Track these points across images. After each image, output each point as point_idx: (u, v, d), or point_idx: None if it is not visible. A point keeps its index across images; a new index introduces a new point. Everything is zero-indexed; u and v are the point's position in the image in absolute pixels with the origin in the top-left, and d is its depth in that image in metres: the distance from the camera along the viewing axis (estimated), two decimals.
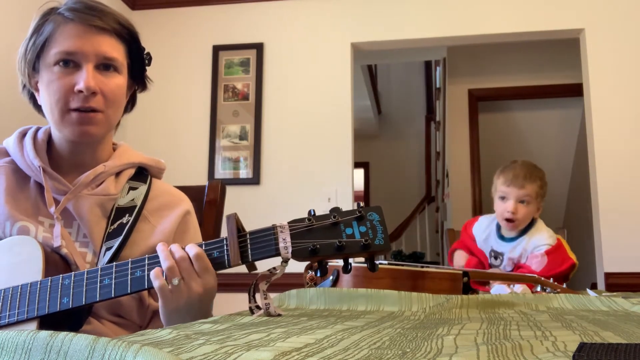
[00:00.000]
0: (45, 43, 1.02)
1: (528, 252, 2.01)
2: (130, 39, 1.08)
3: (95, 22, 1.01)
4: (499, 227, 2.09)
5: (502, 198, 2.03)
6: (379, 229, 0.83)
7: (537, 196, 2.02)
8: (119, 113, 1.09)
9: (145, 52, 1.13)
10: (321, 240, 0.82)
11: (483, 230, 2.11)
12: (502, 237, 2.07)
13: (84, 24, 1.01)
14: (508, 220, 2.01)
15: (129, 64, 1.09)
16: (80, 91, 0.98)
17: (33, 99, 1.09)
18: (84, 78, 0.99)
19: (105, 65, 1.03)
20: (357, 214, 0.84)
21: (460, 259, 2.13)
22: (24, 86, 1.09)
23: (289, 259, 0.83)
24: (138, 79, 1.14)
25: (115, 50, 1.04)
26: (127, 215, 1.06)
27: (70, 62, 1.00)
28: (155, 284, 0.86)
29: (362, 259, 0.89)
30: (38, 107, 1.09)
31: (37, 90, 1.06)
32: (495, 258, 2.06)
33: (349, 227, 0.83)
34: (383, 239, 0.83)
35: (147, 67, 1.14)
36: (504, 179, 2.04)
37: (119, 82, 1.05)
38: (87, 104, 1.00)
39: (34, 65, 1.04)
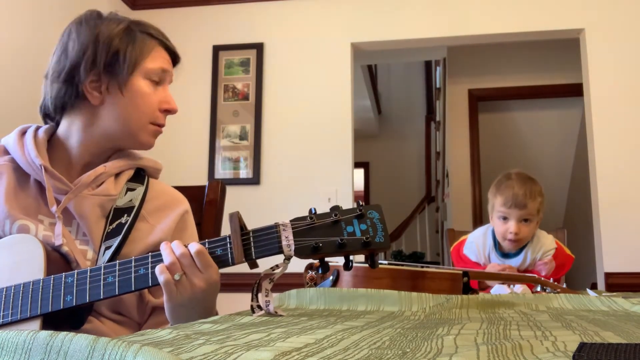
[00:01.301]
0: (137, 56, 1.07)
1: (537, 261, 2.00)
2: None
3: (175, 50, 1.15)
4: (496, 244, 2.04)
5: (503, 218, 1.97)
6: (379, 227, 0.84)
7: (538, 212, 1.98)
8: None
9: None
10: (323, 238, 0.83)
11: (475, 249, 2.05)
12: (504, 255, 2.03)
13: (170, 49, 1.13)
14: (511, 240, 1.96)
15: None
16: (169, 111, 1.12)
17: (70, 92, 1.05)
18: (172, 100, 1.13)
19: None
20: (357, 212, 0.85)
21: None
22: (71, 79, 1.04)
23: (291, 257, 0.84)
24: None
25: None
26: (126, 215, 1.06)
27: (157, 80, 1.10)
28: (161, 278, 0.87)
29: (362, 259, 0.89)
30: (71, 99, 1.05)
31: (95, 91, 1.05)
32: None
33: (350, 225, 0.84)
34: (383, 236, 0.84)
35: None
36: (502, 199, 1.96)
37: None
38: (165, 122, 1.13)
39: (106, 69, 1.04)
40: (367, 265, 0.88)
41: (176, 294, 0.89)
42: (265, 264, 0.86)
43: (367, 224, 0.85)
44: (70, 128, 1.08)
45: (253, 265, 0.88)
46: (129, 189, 1.11)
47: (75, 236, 1.04)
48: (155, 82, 1.10)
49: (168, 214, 1.13)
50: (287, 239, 0.84)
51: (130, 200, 1.09)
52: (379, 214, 0.85)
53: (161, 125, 1.12)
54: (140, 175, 1.16)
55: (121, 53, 1.05)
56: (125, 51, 1.05)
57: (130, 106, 1.07)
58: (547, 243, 2.03)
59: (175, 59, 1.15)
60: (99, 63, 1.03)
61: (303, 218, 0.85)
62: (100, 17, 1.08)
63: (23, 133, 1.09)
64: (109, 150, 1.11)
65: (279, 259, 0.83)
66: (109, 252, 1.00)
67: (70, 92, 1.05)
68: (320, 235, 0.84)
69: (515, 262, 2.01)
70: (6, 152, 1.09)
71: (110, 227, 1.04)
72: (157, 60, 1.09)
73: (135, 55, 1.06)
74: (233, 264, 0.87)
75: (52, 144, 1.09)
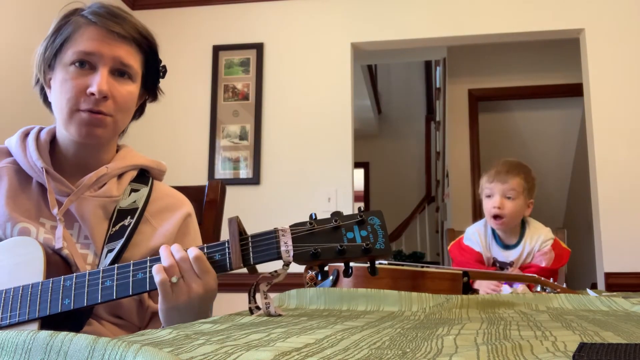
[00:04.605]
0: (64, 42, 1.03)
1: (535, 251, 2.03)
2: (148, 49, 1.09)
3: (116, 28, 1.03)
4: (494, 234, 2.07)
5: (488, 196, 2.04)
6: (380, 234, 0.84)
7: (523, 190, 2.00)
8: (127, 119, 1.10)
9: (162, 64, 1.14)
10: (322, 244, 0.83)
11: (478, 239, 2.07)
12: (504, 246, 2.06)
13: (105, 28, 1.02)
14: (495, 217, 1.99)
15: (144, 74, 1.10)
16: (92, 94, 0.99)
17: (43, 94, 1.10)
18: (98, 81, 0.99)
19: (120, 72, 1.04)
20: (358, 218, 0.84)
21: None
22: (37, 81, 1.09)
23: (290, 263, 0.83)
24: (150, 89, 1.15)
25: (132, 58, 1.05)
26: (129, 217, 1.06)
27: (86, 64, 1.01)
28: (157, 278, 0.86)
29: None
30: (47, 103, 1.09)
31: (50, 87, 1.06)
32: (502, 269, 2.04)
33: (350, 231, 0.84)
34: (384, 243, 0.83)
35: (160, 79, 1.16)
36: (487, 176, 2.06)
37: (131, 89, 1.06)
38: (97, 108, 1.01)
39: (50, 62, 1.05)
40: (367, 265, 0.87)
41: (172, 296, 0.88)
42: (265, 269, 0.86)
43: (368, 230, 0.84)
44: (57, 127, 1.08)
45: (252, 271, 0.87)
46: (133, 190, 1.10)
47: (77, 239, 1.04)
48: (89, 67, 1.01)
49: (171, 216, 1.12)
50: (286, 245, 0.83)
51: (134, 202, 1.08)
52: (379, 220, 0.85)
53: (88, 110, 1.00)
54: (145, 176, 1.15)
55: (53, 45, 1.04)
56: (53, 42, 1.04)
57: (56, 96, 1.03)
58: (544, 232, 2.06)
59: (119, 32, 1.02)
60: (47, 60, 1.05)
61: (303, 223, 0.84)
62: (65, 15, 1.06)
63: (26, 135, 1.09)
64: (89, 150, 1.08)
65: (277, 264, 0.83)
66: (111, 255, 1.00)
67: (41, 93, 1.09)
68: (319, 241, 0.83)
69: (515, 252, 2.03)
70: (9, 154, 1.08)
71: (114, 229, 1.04)
72: (80, 43, 1.01)
73: (56, 45, 1.03)
74: (231, 269, 0.86)
75: (55, 145, 1.09)
